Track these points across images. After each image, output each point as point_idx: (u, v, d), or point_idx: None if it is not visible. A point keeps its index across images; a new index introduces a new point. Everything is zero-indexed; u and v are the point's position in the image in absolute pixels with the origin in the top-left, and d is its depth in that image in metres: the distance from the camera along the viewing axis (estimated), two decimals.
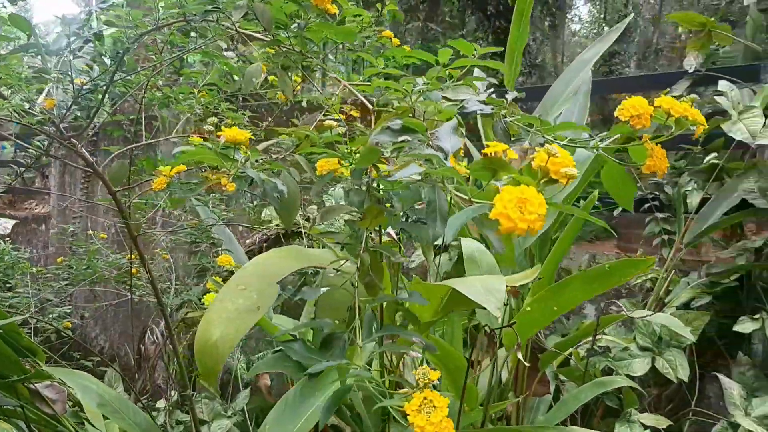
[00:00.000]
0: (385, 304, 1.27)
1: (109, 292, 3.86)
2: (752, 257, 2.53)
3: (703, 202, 2.67)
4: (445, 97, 0.99)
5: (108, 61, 1.78)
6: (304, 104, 4.06)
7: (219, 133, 0.81)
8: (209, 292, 1.75)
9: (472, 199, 0.66)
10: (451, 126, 0.78)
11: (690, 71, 2.80)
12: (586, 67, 1.93)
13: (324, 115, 2.84)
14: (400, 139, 0.77)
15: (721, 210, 2.60)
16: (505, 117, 0.99)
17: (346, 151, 1.02)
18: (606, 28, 13.71)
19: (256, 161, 0.93)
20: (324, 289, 0.87)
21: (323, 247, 3.04)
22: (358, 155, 0.98)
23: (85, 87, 1.70)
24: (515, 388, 2.08)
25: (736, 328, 2.33)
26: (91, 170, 2.02)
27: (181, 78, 2.31)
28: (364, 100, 1.09)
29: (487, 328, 1.49)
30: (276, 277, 1.08)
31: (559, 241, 1.66)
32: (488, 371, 1.91)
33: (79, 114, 2.36)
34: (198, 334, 1.01)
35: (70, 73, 1.62)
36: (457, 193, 0.68)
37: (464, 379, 1.57)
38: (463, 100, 1.02)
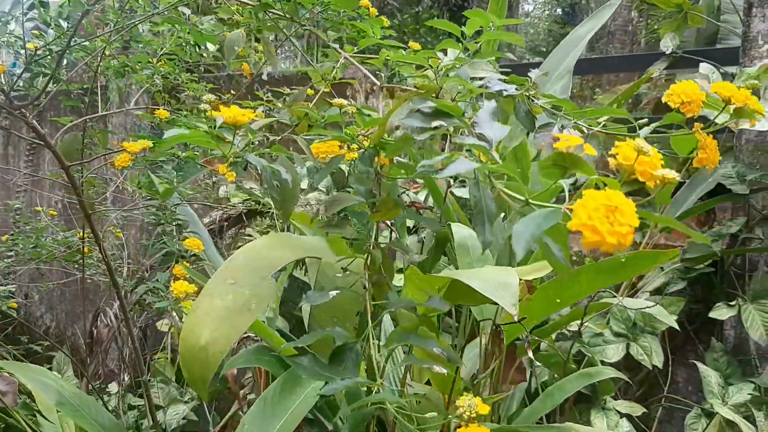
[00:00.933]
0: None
1: (55, 270, 3.66)
2: (726, 243, 2.51)
3: (678, 186, 2.64)
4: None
5: (65, 25, 1.62)
6: (264, 77, 3.90)
7: (216, 113, 0.68)
8: (175, 278, 1.62)
9: (531, 201, 0.57)
10: (491, 110, 0.67)
11: (667, 52, 2.75)
12: (580, 43, 1.85)
13: (291, 89, 2.69)
14: (434, 124, 0.66)
15: (696, 195, 2.57)
16: (530, 98, 0.89)
17: (347, 132, 0.90)
18: (558, 11, 13.73)
19: (252, 144, 0.81)
20: (334, 293, 0.76)
21: (283, 229, 2.91)
22: (365, 138, 0.87)
23: (38, 52, 1.54)
24: (492, 376, 2.01)
25: (713, 314, 2.31)
26: (38, 142, 1.86)
27: (139, 46, 2.14)
28: (369, 74, 0.97)
29: (485, 322, 1.41)
30: (269, 270, 0.96)
31: None
32: (471, 362, 1.84)
33: (22, 83, 2.17)
34: (183, 335, 0.89)
35: (22, 36, 1.46)
36: (509, 192, 0.58)
37: (454, 373, 1.49)
38: (481, 78, 0.91)
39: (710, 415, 2.25)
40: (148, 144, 1.61)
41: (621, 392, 2.62)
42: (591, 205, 0.47)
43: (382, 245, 0.85)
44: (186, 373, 0.86)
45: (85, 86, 2.30)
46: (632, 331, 2.43)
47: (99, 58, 2.04)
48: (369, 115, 1.07)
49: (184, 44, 2.12)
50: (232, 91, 3.02)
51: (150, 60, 2.13)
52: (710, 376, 2.19)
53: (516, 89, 0.87)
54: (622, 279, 1.17)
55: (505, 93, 0.84)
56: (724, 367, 2.35)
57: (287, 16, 1.08)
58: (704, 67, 2.45)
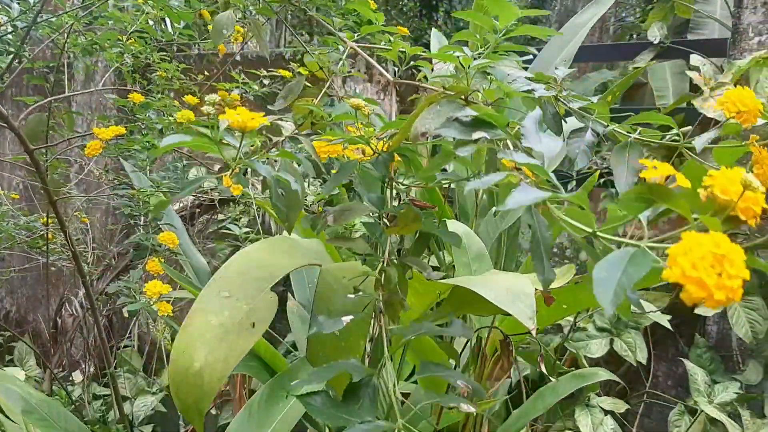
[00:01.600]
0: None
1: (16, 255, 3.50)
2: None
3: None
4: (485, 72, 0.80)
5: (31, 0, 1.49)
6: (237, 57, 3.76)
7: (221, 116, 0.59)
8: (149, 275, 1.51)
9: (599, 234, 0.49)
10: (536, 118, 0.59)
11: (655, 42, 2.70)
12: (580, 32, 1.77)
13: (268, 71, 2.56)
14: (475, 136, 0.57)
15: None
16: (558, 99, 0.80)
17: (357, 134, 0.82)
18: None
19: (255, 146, 0.72)
20: (347, 319, 0.68)
21: (257, 216, 2.79)
22: (380, 141, 0.78)
23: (1, 28, 1.41)
24: (475, 371, 1.96)
25: (699, 310, 2.28)
26: (0, 124, 1.74)
27: (109, 23, 2.01)
28: (379, 67, 0.88)
29: (491, 331, 1.34)
30: (267, 281, 0.88)
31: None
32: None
33: None
34: (174, 357, 0.80)
35: None
36: (569, 220, 0.50)
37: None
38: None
39: (693, 411, 2.23)
40: (120, 130, 1.50)
41: (600, 386, 2.59)
42: (696, 252, 0.39)
43: (397, 261, 0.77)
44: (177, 401, 0.77)
45: (50, 64, 2.17)
46: (616, 326, 2.39)
47: (66, 35, 1.91)
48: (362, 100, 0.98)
49: (155, 21, 2.01)
50: (205, 72, 2.89)
51: (120, 38, 2.01)
52: (697, 374, 2.16)
53: (545, 89, 0.79)
54: (646, 285, 1.11)
55: (536, 94, 0.76)
56: (708, 363, 2.32)
57: None
58: (695, 59, 2.39)
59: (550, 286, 1.11)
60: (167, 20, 2.36)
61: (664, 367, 2.64)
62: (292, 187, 0.67)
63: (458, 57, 0.69)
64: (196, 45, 3.41)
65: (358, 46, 1.05)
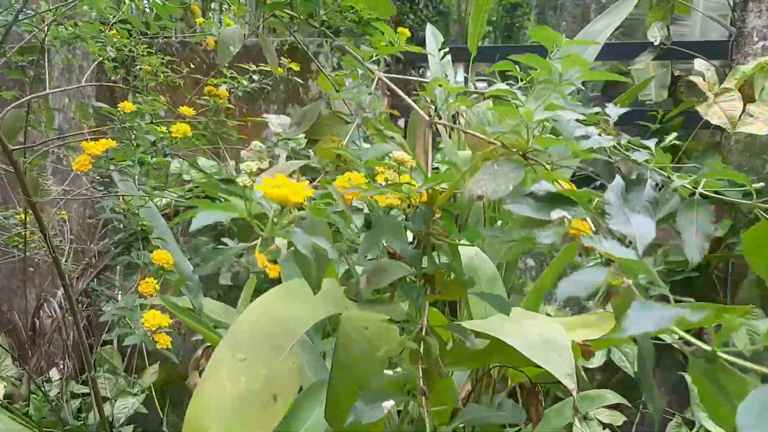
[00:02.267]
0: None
1: None
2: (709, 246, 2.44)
3: None
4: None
5: None
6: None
7: (257, 187, 0.51)
8: (141, 297, 1.41)
9: (721, 355, 0.41)
10: (619, 191, 0.51)
11: (656, 43, 2.63)
12: (597, 40, 1.68)
13: (257, 66, 2.44)
14: (553, 215, 0.49)
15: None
16: (617, 148, 0.73)
17: (401, 187, 0.73)
18: None
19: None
20: (390, 404, 0.60)
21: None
22: (419, 194, 0.70)
23: None
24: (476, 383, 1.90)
25: None
26: None
27: (92, 14, 1.90)
28: (415, 105, 0.79)
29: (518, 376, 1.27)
30: (288, 338, 0.79)
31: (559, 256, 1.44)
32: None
33: None
34: (186, 427, 0.72)
35: None
36: (682, 333, 0.42)
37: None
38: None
39: (690, 423, 2.20)
40: (111, 144, 1.40)
41: None
42: None
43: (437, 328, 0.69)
44: None
45: (30, 58, 2.05)
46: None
47: (47, 28, 1.81)
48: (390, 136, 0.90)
49: (138, 11, 1.91)
50: (191, 64, 2.77)
51: (102, 29, 1.90)
52: (695, 389, 2.12)
53: (599, 135, 0.71)
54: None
55: (592, 144, 0.68)
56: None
57: (301, 17, 0.89)
58: (699, 63, 2.33)
59: (583, 336, 1.04)
60: (148, 9, 2.24)
61: (659, 375, 2.61)
62: (328, 256, 0.59)
63: (519, 109, 0.61)
64: (176, 30, 3.28)
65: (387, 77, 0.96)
